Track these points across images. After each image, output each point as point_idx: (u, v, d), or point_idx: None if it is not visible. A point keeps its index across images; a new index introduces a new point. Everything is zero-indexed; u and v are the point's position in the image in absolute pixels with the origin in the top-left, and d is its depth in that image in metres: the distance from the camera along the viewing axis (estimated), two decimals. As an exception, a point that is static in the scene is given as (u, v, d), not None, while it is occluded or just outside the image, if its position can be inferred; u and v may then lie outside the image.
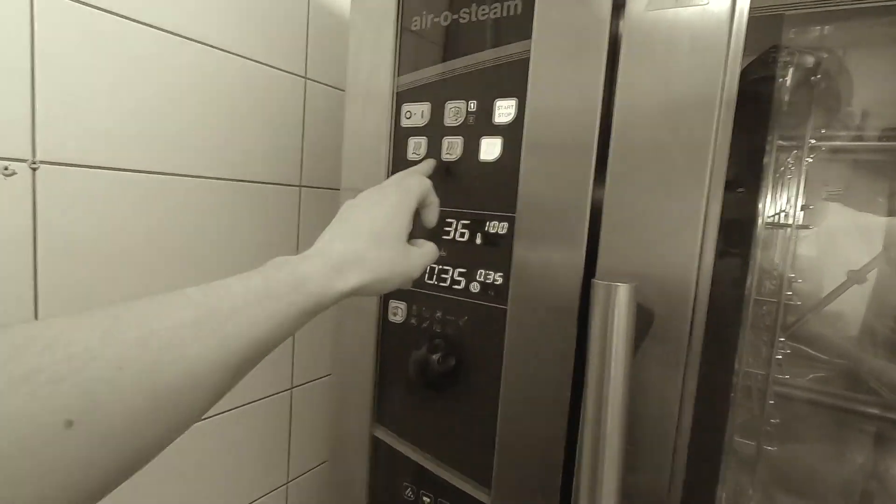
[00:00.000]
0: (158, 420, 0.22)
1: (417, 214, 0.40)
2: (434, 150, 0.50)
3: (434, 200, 0.42)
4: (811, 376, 0.73)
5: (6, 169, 0.45)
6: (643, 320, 0.38)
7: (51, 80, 0.47)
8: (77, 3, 0.48)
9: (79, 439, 0.19)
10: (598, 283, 0.36)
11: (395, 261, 0.35)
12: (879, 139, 0.66)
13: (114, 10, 0.51)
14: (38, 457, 0.18)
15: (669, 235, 0.38)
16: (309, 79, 0.73)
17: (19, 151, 0.46)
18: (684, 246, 0.38)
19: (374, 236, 0.35)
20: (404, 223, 0.37)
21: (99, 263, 0.53)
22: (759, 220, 0.50)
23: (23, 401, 0.18)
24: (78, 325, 0.21)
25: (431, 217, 0.42)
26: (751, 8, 0.35)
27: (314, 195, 0.77)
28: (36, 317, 0.49)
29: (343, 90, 0.80)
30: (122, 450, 0.21)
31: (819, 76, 0.53)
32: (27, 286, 0.48)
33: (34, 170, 0.47)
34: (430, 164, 0.47)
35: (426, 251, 0.39)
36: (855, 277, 0.75)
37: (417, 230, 0.40)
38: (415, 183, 0.40)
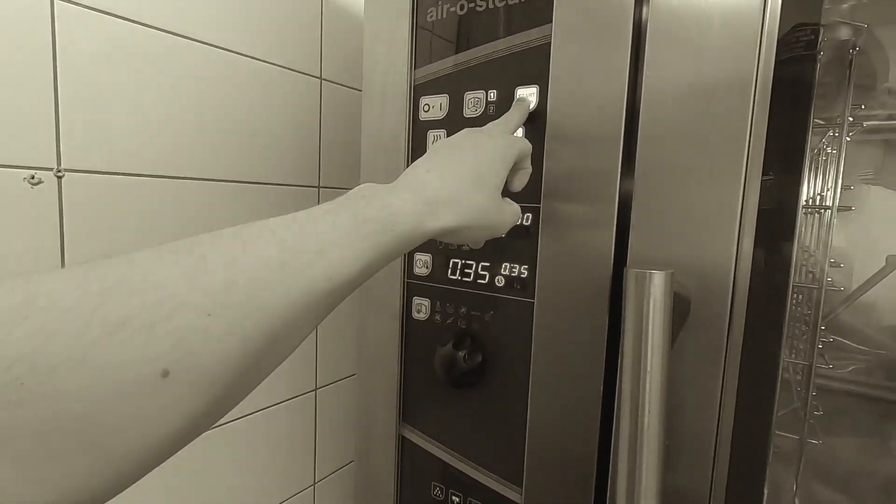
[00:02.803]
0: (248, 364, 0.22)
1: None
2: (454, 144, 0.49)
3: (528, 167, 0.40)
4: (852, 368, 0.70)
5: (32, 178, 0.46)
6: (680, 310, 0.36)
7: (73, 88, 0.48)
8: (96, 12, 0.49)
9: (175, 389, 0.19)
10: (632, 271, 0.34)
11: (489, 209, 0.33)
12: (916, 117, 0.63)
13: (132, 18, 0.51)
14: (139, 407, 0.18)
15: (704, 224, 0.36)
16: (324, 79, 0.73)
17: (44, 160, 0.47)
18: (721, 235, 0.36)
19: (476, 179, 0.32)
20: (504, 172, 0.35)
21: (124, 269, 0.53)
22: (798, 207, 0.47)
23: (119, 350, 0.17)
24: (165, 264, 0.20)
25: (519, 182, 0.40)
26: (786, -21, 0.33)
27: (333, 196, 0.76)
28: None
29: (358, 90, 0.79)
30: (215, 396, 0.20)
31: (856, 50, 0.51)
32: (56, 293, 0.48)
33: (59, 178, 0.48)
34: (525, 108, 0.42)
35: (514, 209, 0.37)
36: (895, 262, 0.71)
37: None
38: (521, 140, 0.38)
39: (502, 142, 0.36)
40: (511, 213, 0.37)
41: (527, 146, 0.39)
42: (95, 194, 0.50)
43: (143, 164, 0.54)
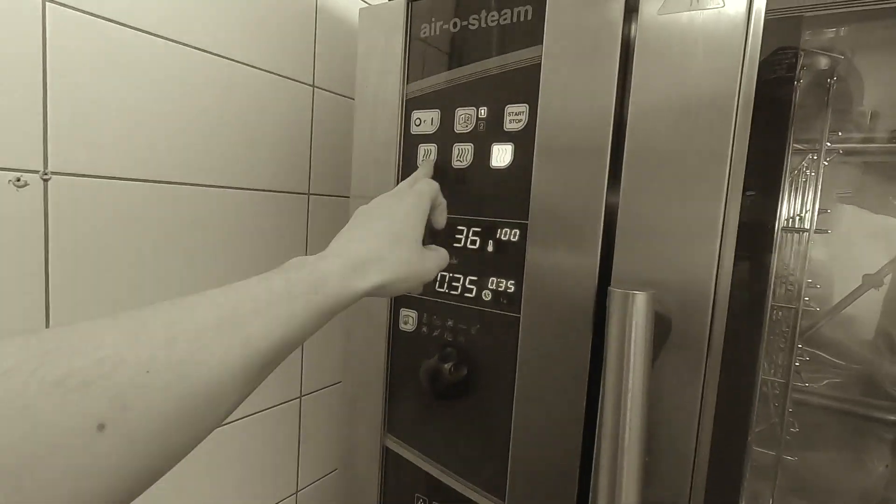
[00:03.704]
0: (186, 422, 0.22)
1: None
2: (444, 158, 0.49)
3: (442, 202, 0.43)
4: (826, 381, 0.72)
5: (18, 180, 0.45)
6: (661, 328, 0.37)
7: (62, 90, 0.47)
8: (88, 15, 0.48)
9: (110, 442, 0.19)
10: (615, 291, 0.35)
11: (412, 261, 0.36)
12: (889, 140, 0.65)
13: (124, 22, 0.51)
14: (72, 460, 0.18)
15: (686, 241, 0.37)
16: (317, 87, 0.73)
17: (31, 163, 0.46)
18: (702, 252, 0.37)
19: (392, 237, 0.35)
20: (420, 226, 0.38)
21: (110, 273, 0.53)
22: (777, 225, 0.49)
23: (55, 405, 0.18)
24: (105, 329, 0.21)
25: (441, 218, 0.43)
26: (767, 10, 0.34)
27: (322, 203, 0.77)
28: (47, 327, 0.48)
29: (351, 98, 0.80)
30: (152, 452, 0.21)
31: (834, 78, 0.53)
32: (39, 296, 0.48)
33: (46, 181, 0.47)
34: (430, 164, 0.48)
35: (440, 255, 0.40)
36: (871, 281, 0.73)
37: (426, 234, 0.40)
38: (426, 186, 0.41)
39: (410, 199, 0.39)
40: (436, 260, 0.39)
41: (433, 188, 0.42)
42: (82, 198, 0.50)
43: (130, 168, 0.53)
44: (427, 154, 0.50)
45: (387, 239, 0.35)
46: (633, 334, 0.34)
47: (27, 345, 0.19)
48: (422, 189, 0.40)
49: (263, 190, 0.68)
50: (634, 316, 0.34)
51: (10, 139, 0.45)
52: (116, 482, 0.20)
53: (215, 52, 0.60)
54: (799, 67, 0.48)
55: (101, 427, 0.19)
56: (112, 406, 0.19)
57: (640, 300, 0.34)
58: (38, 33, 0.45)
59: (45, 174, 0.47)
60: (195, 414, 0.22)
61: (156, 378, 0.21)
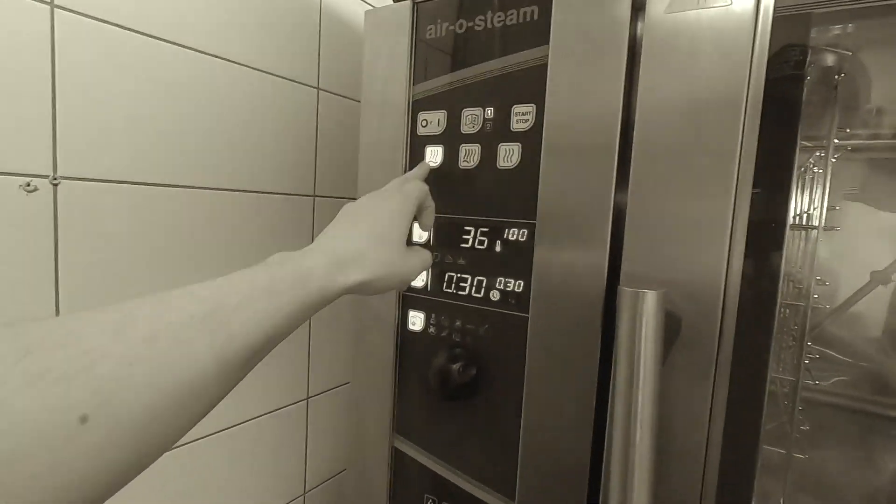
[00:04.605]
0: (169, 415, 0.22)
1: (414, 218, 0.41)
2: (451, 158, 0.49)
3: (430, 204, 0.43)
4: (835, 379, 0.72)
5: (28, 185, 0.46)
6: (671, 327, 0.37)
7: (71, 96, 0.48)
8: (96, 21, 0.49)
9: (93, 435, 0.19)
10: (626, 290, 0.35)
11: (394, 261, 0.36)
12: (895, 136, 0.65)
13: (132, 27, 0.51)
14: (55, 453, 0.18)
15: (696, 240, 0.37)
16: (321, 89, 0.73)
17: (40, 168, 0.46)
18: (712, 251, 0.37)
19: (376, 236, 0.36)
20: (405, 226, 0.38)
21: (119, 277, 0.53)
22: (787, 223, 0.49)
23: (38, 398, 0.18)
24: (89, 322, 0.22)
25: (427, 221, 0.43)
26: (775, 7, 0.34)
27: (328, 205, 0.77)
28: (57, 331, 0.49)
29: (355, 100, 0.80)
30: (135, 444, 0.21)
31: (842, 74, 0.52)
32: (49, 301, 0.48)
33: (55, 185, 0.48)
34: (424, 168, 0.48)
35: (423, 256, 0.40)
36: (879, 278, 0.73)
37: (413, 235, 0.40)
38: (414, 188, 0.41)
39: (398, 198, 0.39)
40: (419, 261, 0.39)
41: (422, 190, 0.42)
42: (91, 202, 0.50)
43: (139, 172, 0.54)
44: (434, 155, 0.50)
45: (370, 238, 0.35)
46: (643, 333, 0.34)
47: (8, 337, 0.19)
48: (409, 190, 0.40)
49: (269, 192, 0.68)
50: (645, 315, 0.34)
51: (19, 144, 0.45)
52: (99, 475, 0.20)
53: (221, 55, 0.60)
54: (807, 64, 0.48)
55: (83, 420, 0.19)
56: (94, 398, 0.19)
57: (651, 299, 0.34)
58: (47, 39, 0.46)
59: (55, 179, 0.47)
60: (178, 407, 0.23)
61: (138, 371, 0.21)
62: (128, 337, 0.22)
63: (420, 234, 0.51)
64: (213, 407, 0.25)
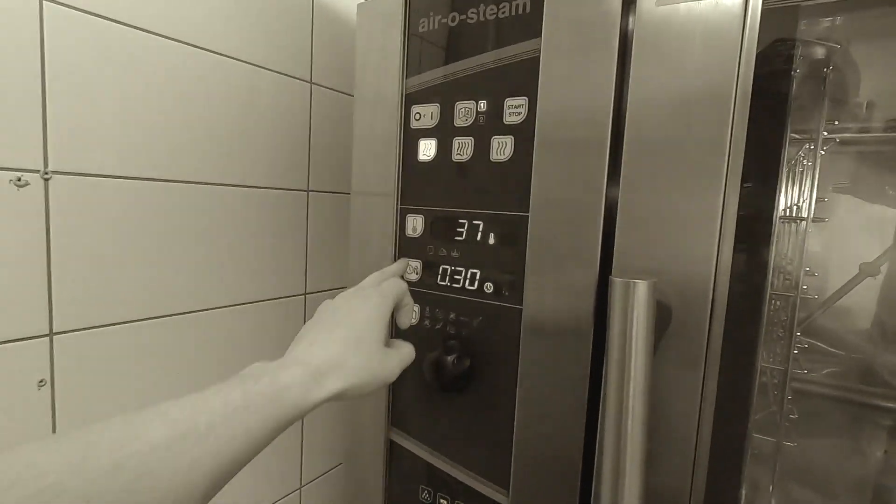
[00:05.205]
0: None
1: (393, 315, 0.41)
2: (444, 151, 0.50)
3: (409, 302, 0.43)
4: (824, 370, 0.73)
5: (19, 180, 0.45)
6: (662, 318, 0.38)
7: (61, 90, 0.47)
8: (85, 14, 0.48)
9: None
10: (617, 280, 0.35)
11: (373, 366, 0.36)
12: (885, 130, 0.66)
13: (122, 20, 0.51)
14: None
15: (686, 231, 0.38)
16: (314, 83, 0.73)
17: (31, 162, 0.46)
18: (702, 242, 0.37)
19: (354, 342, 0.35)
20: (383, 328, 0.38)
21: (111, 271, 0.53)
22: (776, 215, 0.49)
23: None
24: (51, 453, 0.21)
25: (406, 319, 0.43)
26: (764, 0, 0.35)
27: (321, 199, 0.77)
28: (50, 327, 0.49)
29: (348, 94, 0.80)
30: None
31: (830, 67, 0.53)
32: (41, 294, 0.48)
33: (46, 180, 0.47)
34: (403, 264, 0.47)
35: (404, 354, 0.39)
36: (868, 270, 0.74)
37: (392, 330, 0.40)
38: (391, 286, 0.40)
39: (375, 300, 0.39)
40: (397, 361, 0.38)
41: (400, 289, 0.41)
42: (82, 196, 0.50)
43: (130, 166, 0.53)
44: (427, 148, 0.50)
45: (348, 343, 0.35)
46: (634, 323, 0.35)
47: None
48: (386, 290, 0.40)
49: (262, 187, 0.68)
50: (636, 304, 0.34)
51: (10, 139, 0.45)
52: None
53: (212, 49, 0.60)
54: (796, 57, 0.48)
55: None
56: None
57: (642, 288, 0.34)
58: (36, 32, 0.45)
59: (46, 173, 0.47)
60: None
61: None
62: (89, 469, 0.21)
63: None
64: None
